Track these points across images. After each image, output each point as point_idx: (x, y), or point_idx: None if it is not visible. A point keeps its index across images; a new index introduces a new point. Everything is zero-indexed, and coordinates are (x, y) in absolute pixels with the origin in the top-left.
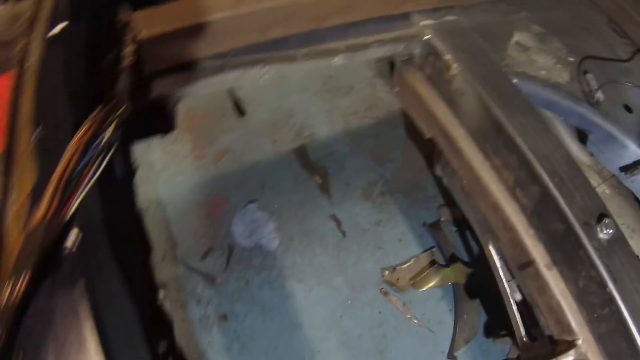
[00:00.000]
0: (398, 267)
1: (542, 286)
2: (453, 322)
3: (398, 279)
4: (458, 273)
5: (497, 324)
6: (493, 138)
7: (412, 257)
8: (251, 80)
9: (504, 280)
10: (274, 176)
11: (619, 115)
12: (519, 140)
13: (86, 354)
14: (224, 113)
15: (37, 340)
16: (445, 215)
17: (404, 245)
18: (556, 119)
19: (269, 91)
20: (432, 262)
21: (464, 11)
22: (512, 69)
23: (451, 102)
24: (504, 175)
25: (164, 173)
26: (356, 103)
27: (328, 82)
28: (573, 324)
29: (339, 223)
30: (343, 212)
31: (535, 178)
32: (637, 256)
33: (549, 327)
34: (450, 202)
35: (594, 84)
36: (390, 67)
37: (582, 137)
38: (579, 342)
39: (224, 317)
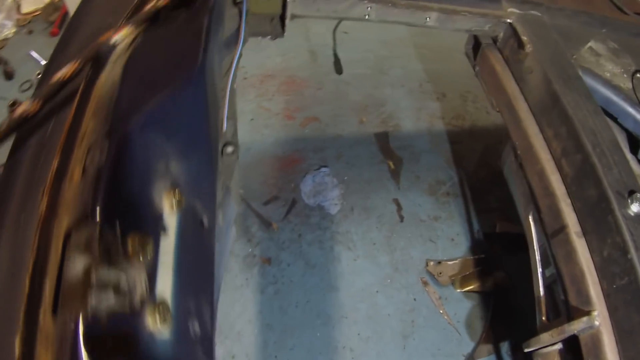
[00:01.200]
0: (443, 262)
1: (570, 253)
2: (481, 330)
3: (440, 273)
4: (500, 284)
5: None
6: (549, 110)
7: (460, 258)
8: (358, 13)
9: (537, 252)
10: (352, 151)
11: None
12: (570, 112)
13: None
14: (321, 87)
15: None
16: (503, 228)
17: (455, 245)
18: (615, 128)
19: (368, 79)
20: (478, 268)
21: (548, 10)
22: (580, 64)
23: (520, 79)
24: (553, 146)
25: (253, 122)
26: (445, 109)
27: (424, 85)
28: (592, 294)
29: (399, 207)
30: (406, 199)
31: (579, 147)
32: None
33: (570, 298)
34: (509, 218)
35: None
36: (475, 49)
37: (635, 148)
38: (595, 313)
39: (267, 261)
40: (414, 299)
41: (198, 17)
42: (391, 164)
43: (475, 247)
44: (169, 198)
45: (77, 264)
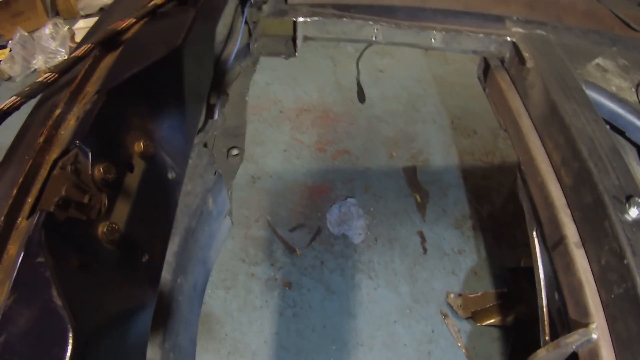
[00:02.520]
0: (464, 294)
1: (569, 264)
2: None
3: (461, 306)
4: (522, 318)
5: None
6: (549, 121)
7: (482, 291)
8: (366, 35)
9: (540, 268)
10: (380, 184)
11: None
12: (567, 120)
13: None
14: (354, 122)
15: None
16: (528, 263)
17: (478, 279)
18: (627, 145)
19: (400, 116)
20: (500, 302)
21: (554, 30)
22: (584, 78)
23: (524, 95)
24: (554, 156)
25: (286, 153)
26: (475, 146)
27: (455, 122)
28: (590, 304)
29: (424, 240)
30: (431, 232)
31: (576, 154)
32: None
33: (569, 311)
34: None
35: None
36: (485, 72)
37: None
38: (593, 325)
39: (288, 285)
40: (432, 331)
41: (187, 12)
42: (418, 197)
43: (499, 281)
44: (139, 146)
45: (56, 182)
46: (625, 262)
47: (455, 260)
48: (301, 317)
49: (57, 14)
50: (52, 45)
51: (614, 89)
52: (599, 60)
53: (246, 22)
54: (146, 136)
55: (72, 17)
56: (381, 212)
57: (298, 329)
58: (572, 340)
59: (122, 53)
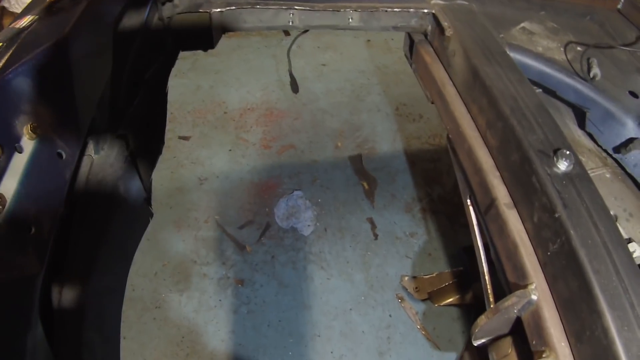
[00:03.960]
0: (419, 277)
1: (502, 227)
2: (463, 344)
3: (417, 288)
4: (481, 295)
5: None
6: (472, 86)
7: (437, 272)
8: (283, 20)
9: (478, 237)
10: (327, 175)
11: (621, 97)
12: (489, 82)
13: None
14: (298, 117)
15: None
16: None
17: (432, 260)
18: (563, 106)
19: (345, 107)
20: (456, 282)
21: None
22: (508, 41)
23: (447, 64)
24: (479, 121)
25: (231, 153)
26: (421, 130)
27: (400, 108)
28: (527, 265)
29: (374, 226)
30: (381, 218)
31: (499, 115)
32: (598, 193)
33: (508, 276)
34: None
35: (594, 64)
36: (411, 48)
37: (582, 121)
38: (532, 286)
39: (241, 282)
40: (390, 316)
41: (78, 4)
42: (365, 184)
43: (454, 261)
44: (27, 129)
45: None
46: (556, 215)
47: (408, 243)
48: (256, 313)
49: None
50: None
51: (540, 49)
52: (525, 24)
53: (160, 18)
54: (35, 119)
55: None
56: (330, 203)
57: (254, 325)
58: (511, 303)
59: (17, 47)
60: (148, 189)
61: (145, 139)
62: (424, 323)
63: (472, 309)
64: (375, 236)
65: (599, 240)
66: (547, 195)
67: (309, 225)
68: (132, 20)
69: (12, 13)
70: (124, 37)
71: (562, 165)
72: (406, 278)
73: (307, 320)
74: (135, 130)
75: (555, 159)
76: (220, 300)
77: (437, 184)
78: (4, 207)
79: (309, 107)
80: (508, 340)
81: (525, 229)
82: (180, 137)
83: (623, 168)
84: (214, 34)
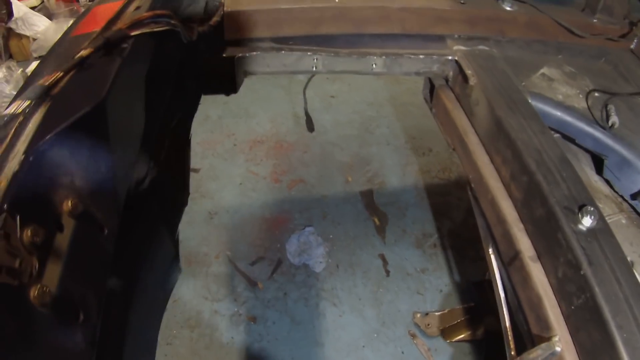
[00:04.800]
0: (431, 313)
1: (525, 279)
2: None
3: (429, 325)
4: (492, 330)
5: None
6: (496, 137)
7: (449, 308)
8: (306, 65)
9: (499, 284)
10: (337, 210)
11: (638, 144)
12: (513, 135)
13: None
14: (308, 149)
15: None
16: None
17: (443, 296)
18: (580, 152)
19: (354, 140)
20: (468, 317)
21: (497, 44)
22: (529, 89)
23: (470, 113)
24: (502, 172)
25: (241, 186)
26: (431, 163)
27: (410, 141)
28: (551, 318)
29: (385, 262)
30: (392, 254)
31: (524, 168)
32: (621, 248)
33: (531, 327)
34: None
35: (612, 112)
36: (431, 92)
37: (600, 168)
38: (555, 338)
39: (253, 319)
40: (402, 352)
41: (112, 62)
42: (376, 220)
43: (465, 296)
44: (67, 205)
45: None
46: (582, 272)
47: (419, 279)
48: (268, 350)
49: (10, 56)
50: (6, 89)
51: (560, 97)
52: (544, 70)
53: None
54: (74, 194)
55: (25, 59)
56: (341, 238)
57: None
58: (536, 356)
59: (49, 109)
60: (176, 245)
61: (171, 192)
62: (436, 359)
63: (483, 344)
64: (387, 272)
65: (622, 295)
66: (572, 251)
67: (320, 262)
68: (162, 69)
69: (19, 35)
70: (155, 89)
71: (587, 222)
72: (418, 315)
73: (320, 357)
74: (163, 184)
75: (580, 215)
76: (232, 337)
77: (447, 218)
78: (49, 297)
79: (318, 140)
80: None
81: (549, 281)
82: (190, 169)
83: (639, 213)
84: (237, 78)
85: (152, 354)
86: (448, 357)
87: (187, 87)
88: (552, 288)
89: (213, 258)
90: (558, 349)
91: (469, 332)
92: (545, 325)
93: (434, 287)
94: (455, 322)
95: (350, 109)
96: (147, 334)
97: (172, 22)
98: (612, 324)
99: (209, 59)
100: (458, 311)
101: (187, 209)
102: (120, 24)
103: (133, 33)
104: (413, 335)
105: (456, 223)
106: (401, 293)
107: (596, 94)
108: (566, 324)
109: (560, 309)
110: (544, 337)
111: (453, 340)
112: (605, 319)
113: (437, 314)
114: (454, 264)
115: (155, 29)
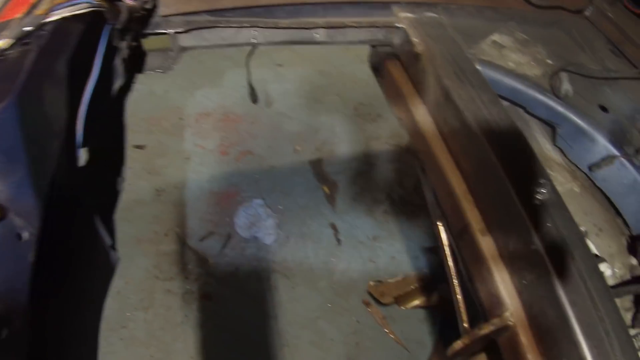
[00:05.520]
0: (385, 281)
1: (475, 252)
2: (432, 345)
3: (383, 293)
4: (446, 296)
5: None
6: (443, 108)
7: (402, 275)
8: (245, 38)
9: (449, 257)
10: (287, 181)
11: (592, 112)
12: (462, 106)
13: None
14: (256, 121)
15: None
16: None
17: (396, 263)
18: (533, 120)
19: (303, 110)
20: (421, 284)
21: (446, 11)
22: (479, 57)
23: (417, 81)
24: (451, 144)
25: (189, 161)
26: (381, 129)
27: (359, 108)
28: (503, 293)
29: (336, 231)
30: (343, 222)
31: (474, 141)
32: (574, 220)
33: (483, 301)
34: None
35: (565, 80)
36: (378, 62)
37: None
38: (507, 313)
39: (206, 296)
40: (357, 322)
41: (29, 52)
42: (326, 188)
43: (418, 262)
44: None
45: None
46: (533, 247)
47: (371, 247)
48: (223, 327)
49: None
50: None
51: (511, 65)
52: (495, 37)
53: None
54: None
55: None
56: (291, 209)
57: (222, 340)
58: (488, 332)
59: None
60: (112, 234)
61: (105, 181)
62: (392, 327)
63: (438, 310)
64: (339, 241)
65: (575, 270)
66: (523, 225)
67: (270, 234)
68: (87, 54)
69: None
70: (80, 76)
71: (539, 195)
72: (372, 283)
73: (275, 330)
74: (95, 173)
75: (532, 188)
76: (186, 315)
77: (398, 185)
78: None
79: (266, 111)
80: (482, 357)
81: (500, 255)
82: (135, 146)
83: (592, 181)
84: (174, 54)
85: (94, 348)
86: (403, 324)
87: (119, 68)
88: (503, 262)
89: (163, 236)
90: (510, 323)
91: (423, 299)
92: (497, 300)
93: (386, 254)
94: (410, 289)
95: (299, 78)
96: (87, 329)
97: (95, 2)
98: (566, 300)
99: (143, 35)
100: (412, 278)
101: (134, 187)
102: (40, 10)
103: (51, 19)
104: (367, 304)
105: (407, 189)
106: (353, 262)
107: (548, 61)
108: (519, 299)
109: (513, 284)
110: (497, 311)
111: (408, 307)
112: (558, 295)
113: (390, 281)
114: (406, 230)
115: (76, 12)
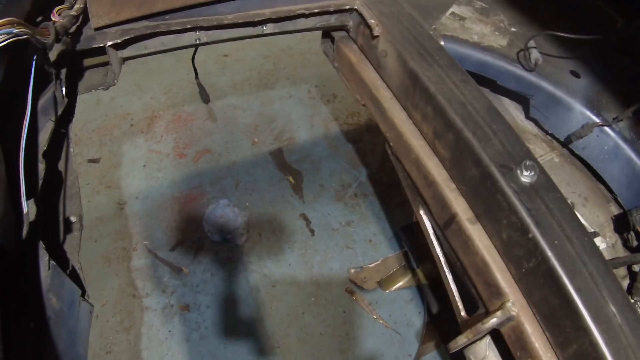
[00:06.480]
0: (365, 267)
1: (466, 242)
2: (421, 325)
3: (365, 279)
4: (429, 274)
5: None
6: (412, 92)
7: (381, 258)
8: (188, 40)
9: (437, 247)
10: (249, 175)
11: (564, 80)
12: (433, 89)
13: None
14: (208, 117)
15: None
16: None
17: (373, 246)
18: (504, 98)
19: (255, 99)
20: (402, 264)
21: None
22: (441, 32)
23: (378, 65)
24: (424, 129)
25: (145, 168)
26: (338, 110)
27: (312, 90)
28: (501, 282)
29: (308, 222)
30: (314, 211)
31: (449, 125)
32: (566, 201)
33: (480, 292)
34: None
35: (534, 49)
36: (329, 44)
37: (527, 109)
38: (509, 303)
39: (186, 307)
40: (344, 312)
41: None
42: (291, 179)
43: (395, 242)
44: None
45: None
46: (530, 235)
47: (346, 233)
48: (209, 337)
49: None
50: None
51: (476, 37)
52: (453, 8)
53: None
54: None
55: None
56: (258, 205)
57: (210, 350)
58: (492, 324)
59: None
60: (78, 279)
61: (60, 221)
62: (379, 312)
63: (423, 288)
64: (312, 232)
65: (575, 254)
66: (516, 213)
67: (242, 234)
68: (15, 90)
69: None
70: (10, 117)
71: (527, 178)
72: (352, 270)
73: (262, 333)
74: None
75: (518, 171)
76: (169, 331)
77: (364, 165)
78: None
79: (217, 105)
80: (485, 343)
81: (493, 244)
82: (90, 160)
83: (570, 150)
84: (114, 67)
85: None
86: (390, 308)
87: (57, 95)
88: (497, 251)
89: (132, 251)
90: (513, 312)
91: (406, 279)
92: (496, 290)
93: (362, 238)
94: (391, 271)
95: (247, 66)
96: None
97: (16, 31)
98: (571, 287)
99: (77, 53)
100: (392, 259)
101: (94, 203)
102: None
103: None
104: (351, 292)
105: (373, 169)
106: (330, 251)
107: (513, 29)
108: (518, 287)
109: (510, 272)
110: (496, 301)
111: (392, 289)
112: (563, 283)
113: (371, 266)
114: (378, 212)
115: None
